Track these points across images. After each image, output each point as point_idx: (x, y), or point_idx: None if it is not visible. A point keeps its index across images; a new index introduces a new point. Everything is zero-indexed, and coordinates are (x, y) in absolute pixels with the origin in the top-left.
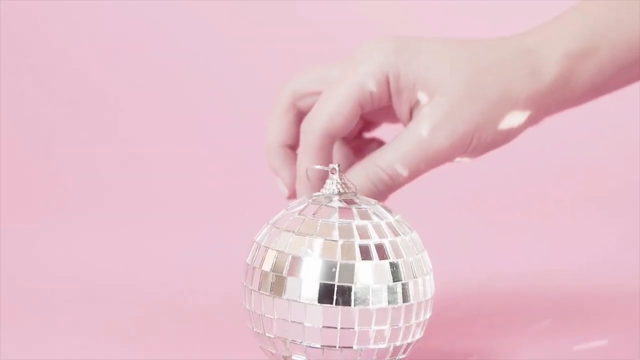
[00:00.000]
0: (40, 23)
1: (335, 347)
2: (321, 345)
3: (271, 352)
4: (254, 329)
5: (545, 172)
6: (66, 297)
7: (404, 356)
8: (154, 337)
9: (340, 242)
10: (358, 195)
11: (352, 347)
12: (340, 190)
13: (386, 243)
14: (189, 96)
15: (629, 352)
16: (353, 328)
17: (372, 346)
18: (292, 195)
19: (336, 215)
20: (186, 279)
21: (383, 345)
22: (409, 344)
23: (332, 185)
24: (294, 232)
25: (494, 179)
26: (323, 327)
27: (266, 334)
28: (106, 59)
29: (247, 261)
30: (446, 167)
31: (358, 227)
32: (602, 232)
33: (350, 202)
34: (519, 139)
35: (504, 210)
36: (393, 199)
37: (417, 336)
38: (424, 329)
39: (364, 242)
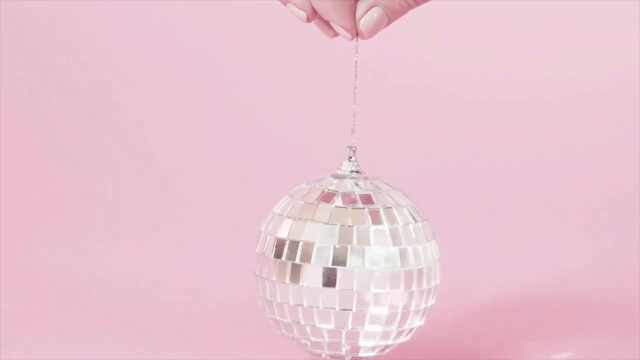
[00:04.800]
0: (57, 32)
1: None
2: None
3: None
4: (262, 296)
5: (547, 179)
6: (87, 303)
7: (406, 339)
8: (173, 340)
9: (354, 226)
10: (373, 176)
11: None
12: (355, 171)
13: (399, 229)
14: (206, 106)
15: (629, 352)
16: (366, 311)
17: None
18: (312, 16)
19: (357, 200)
20: (205, 285)
21: (389, 328)
22: (411, 329)
23: (347, 167)
24: (307, 219)
25: (497, 185)
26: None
27: (274, 301)
28: (125, 73)
29: (258, 250)
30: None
31: (370, 212)
32: (604, 238)
33: (364, 183)
34: (524, 146)
35: (504, 216)
36: None
37: (420, 322)
38: (426, 316)
39: (377, 227)
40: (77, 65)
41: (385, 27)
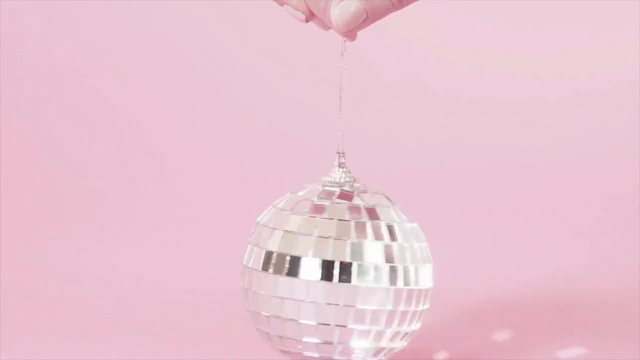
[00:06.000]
0: (57, 32)
1: (329, 324)
2: (317, 323)
3: (266, 333)
4: (251, 309)
5: (545, 179)
6: (87, 304)
7: (403, 344)
8: (173, 341)
9: (352, 222)
10: (361, 183)
11: (346, 326)
12: (345, 178)
13: (395, 226)
14: (206, 106)
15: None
16: (354, 306)
17: (367, 327)
18: (310, 17)
19: (342, 201)
20: (206, 285)
21: (379, 328)
22: (406, 333)
23: (337, 173)
24: (299, 214)
25: (494, 184)
26: (326, 303)
27: (262, 313)
28: (125, 73)
29: (250, 241)
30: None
31: (367, 210)
32: (602, 238)
33: (355, 189)
34: (522, 146)
35: (500, 215)
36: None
37: (416, 326)
38: (421, 319)
39: (375, 222)
40: (77, 65)
41: (364, 25)
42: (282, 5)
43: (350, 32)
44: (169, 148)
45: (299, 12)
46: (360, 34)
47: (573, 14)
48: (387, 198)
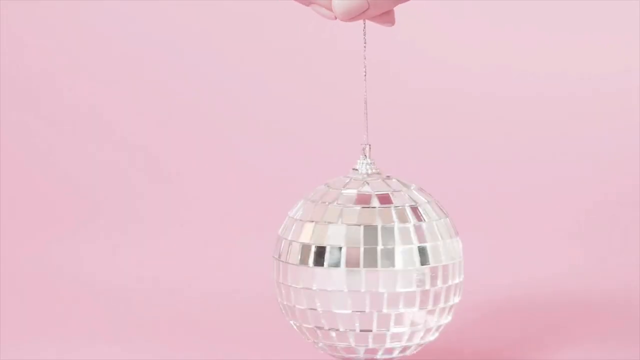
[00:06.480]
0: (57, 34)
1: (368, 311)
2: (352, 310)
3: (305, 327)
4: (285, 303)
5: (544, 178)
6: (90, 305)
7: (448, 319)
8: (174, 342)
9: (379, 208)
10: (389, 175)
11: (385, 312)
12: (371, 170)
13: (419, 207)
14: (210, 106)
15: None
16: (393, 291)
17: (405, 310)
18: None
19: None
20: (209, 286)
21: (418, 308)
22: (443, 309)
23: (363, 166)
24: (331, 205)
25: (493, 182)
26: (364, 291)
27: (298, 306)
28: (128, 74)
29: (282, 235)
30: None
31: (393, 195)
32: (602, 238)
33: (383, 180)
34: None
35: (498, 215)
36: None
37: (455, 300)
38: (459, 293)
39: (400, 206)
40: (79, 64)
41: (367, 16)
42: (308, 5)
43: (352, 20)
44: (172, 149)
45: (329, 11)
46: (373, 30)
47: (576, 13)
48: (404, 183)
